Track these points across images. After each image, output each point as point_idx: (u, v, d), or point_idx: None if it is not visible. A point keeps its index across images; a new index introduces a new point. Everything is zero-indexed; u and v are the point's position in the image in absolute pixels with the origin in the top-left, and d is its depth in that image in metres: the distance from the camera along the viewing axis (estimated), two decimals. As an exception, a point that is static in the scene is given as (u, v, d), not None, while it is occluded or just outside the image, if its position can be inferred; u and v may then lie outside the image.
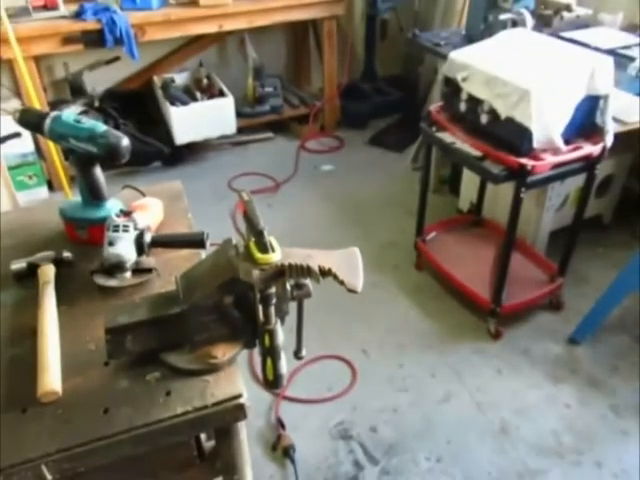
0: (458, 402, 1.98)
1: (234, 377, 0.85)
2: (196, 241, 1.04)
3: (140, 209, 1.15)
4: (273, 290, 0.75)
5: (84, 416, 0.80)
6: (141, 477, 0.88)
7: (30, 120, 1.08)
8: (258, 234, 0.71)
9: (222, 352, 0.85)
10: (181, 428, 0.80)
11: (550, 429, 1.87)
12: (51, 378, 0.83)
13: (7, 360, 0.89)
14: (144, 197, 1.27)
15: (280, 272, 0.72)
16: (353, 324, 2.30)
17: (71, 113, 1.08)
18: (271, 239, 0.73)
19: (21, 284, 1.05)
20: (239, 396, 0.82)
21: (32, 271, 1.06)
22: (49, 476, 0.75)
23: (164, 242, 1.05)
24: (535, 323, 2.29)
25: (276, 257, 0.72)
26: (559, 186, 2.31)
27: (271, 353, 0.78)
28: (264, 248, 0.72)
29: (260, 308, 0.77)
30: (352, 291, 0.70)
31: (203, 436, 0.92)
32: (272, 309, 0.76)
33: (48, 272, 1.06)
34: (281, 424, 1.87)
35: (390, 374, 2.09)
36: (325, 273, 0.72)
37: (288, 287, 0.80)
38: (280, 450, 1.81)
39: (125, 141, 1.06)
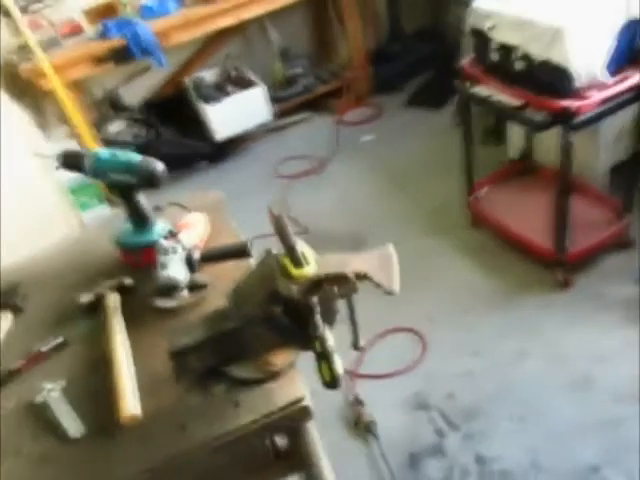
0: (533, 359, 1.95)
1: (295, 381, 0.88)
2: (241, 251, 1.08)
3: (186, 227, 1.19)
4: (315, 299, 0.77)
5: (163, 434, 0.86)
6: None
7: (71, 163, 1.14)
8: (290, 250, 0.73)
9: (281, 359, 0.89)
10: (252, 435, 0.84)
11: (631, 375, 1.81)
12: (130, 403, 0.90)
13: (87, 390, 0.96)
14: (189, 212, 1.32)
15: (318, 283, 0.74)
16: (416, 293, 2.29)
17: (106, 150, 1.13)
18: (304, 251, 0.75)
19: (88, 314, 1.13)
20: (302, 399, 0.85)
21: (98, 301, 1.14)
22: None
23: (211, 257, 1.09)
24: (604, 266, 2.20)
25: (310, 270, 0.74)
26: (612, 119, 2.17)
27: (324, 357, 0.81)
28: (298, 263, 0.74)
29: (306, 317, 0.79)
30: (389, 293, 0.71)
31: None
32: (317, 317, 0.79)
33: (114, 300, 1.14)
34: (359, 402, 1.92)
35: (460, 339, 2.09)
36: (361, 277, 0.73)
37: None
38: (362, 427, 1.86)
39: (160, 167, 1.10)
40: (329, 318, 0.86)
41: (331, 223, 2.66)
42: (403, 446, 1.80)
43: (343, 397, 1.97)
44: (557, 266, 2.13)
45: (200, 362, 0.89)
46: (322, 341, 0.80)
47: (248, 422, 0.84)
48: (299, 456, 0.93)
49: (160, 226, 1.21)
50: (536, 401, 1.83)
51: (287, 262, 0.75)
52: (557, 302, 2.11)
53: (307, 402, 0.86)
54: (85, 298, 1.15)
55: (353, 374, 2.02)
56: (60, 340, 1.08)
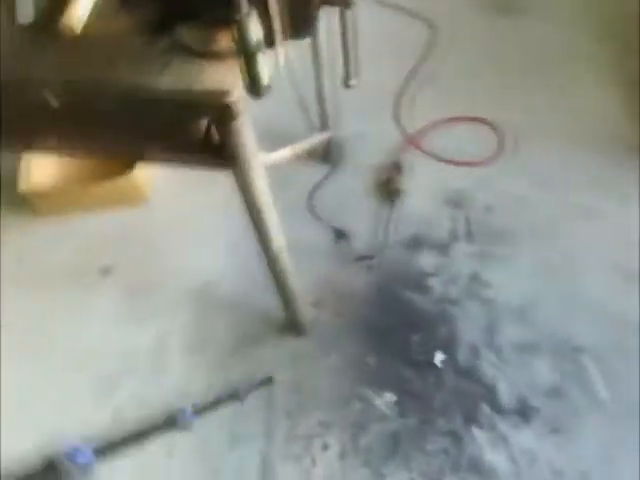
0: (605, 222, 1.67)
1: (231, 75, 0.75)
2: None
3: None
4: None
5: (92, 60, 0.80)
6: (148, 144, 0.91)
7: None
8: None
9: (226, 41, 0.74)
10: (166, 104, 0.77)
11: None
12: (74, 17, 0.82)
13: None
14: None
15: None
16: (520, 89, 1.93)
17: None
18: None
19: None
20: (226, 94, 0.74)
21: None
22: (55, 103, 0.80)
23: None
24: None
25: None
26: None
27: (243, 51, 0.65)
28: None
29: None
30: None
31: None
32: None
33: None
34: (398, 167, 1.80)
35: (540, 165, 1.79)
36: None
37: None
38: (386, 191, 1.77)
39: None
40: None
41: None
42: (412, 227, 1.72)
43: (387, 156, 1.84)
44: None
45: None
46: (242, 29, 0.63)
47: (165, 88, 0.75)
48: (229, 152, 0.86)
49: None
50: (571, 256, 1.61)
51: None
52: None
53: (233, 100, 0.74)
54: None
55: (410, 139, 1.85)
56: None
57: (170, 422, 0.75)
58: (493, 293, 1.59)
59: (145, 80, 0.76)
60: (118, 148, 0.97)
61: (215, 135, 0.85)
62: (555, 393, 1.45)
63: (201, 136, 0.86)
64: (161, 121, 0.85)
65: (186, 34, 0.77)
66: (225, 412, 1.39)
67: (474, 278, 1.62)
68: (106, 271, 1.71)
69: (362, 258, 1.64)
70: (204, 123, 0.84)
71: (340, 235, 1.69)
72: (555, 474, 1.36)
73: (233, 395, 1.10)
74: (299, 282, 1.50)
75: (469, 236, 1.68)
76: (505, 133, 1.85)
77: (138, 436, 0.62)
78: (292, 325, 1.50)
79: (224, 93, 0.73)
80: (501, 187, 1.75)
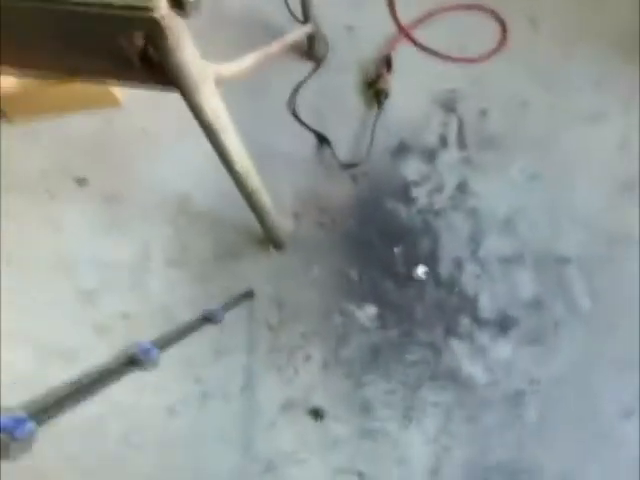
0: (607, 127, 1.55)
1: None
2: None
3: None
4: None
5: None
6: (86, 62, 0.80)
7: None
8: None
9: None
10: (92, 19, 0.66)
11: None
12: None
13: None
14: None
15: None
16: None
17: None
18: None
19: None
20: (151, 9, 0.63)
21: None
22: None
23: None
24: None
25: None
26: None
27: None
28: None
29: None
30: None
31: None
32: None
33: None
34: (388, 63, 1.64)
35: (542, 63, 1.63)
36: None
37: None
38: (374, 91, 1.64)
39: None
40: None
41: None
42: (399, 130, 1.61)
43: (378, 50, 1.68)
44: None
45: None
46: None
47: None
48: (170, 72, 0.76)
49: None
50: (568, 169, 1.53)
51: None
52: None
53: (158, 16, 0.63)
54: None
55: (402, 30, 1.68)
56: None
57: (132, 362, 0.73)
58: (479, 203, 1.53)
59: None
60: (55, 65, 0.87)
61: (154, 55, 0.75)
62: (536, 305, 1.44)
63: (138, 55, 0.75)
64: (95, 38, 0.74)
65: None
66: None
67: (460, 187, 1.55)
68: (82, 181, 1.65)
69: (346, 166, 1.56)
70: (139, 41, 0.74)
71: (323, 141, 1.59)
72: (531, 383, 1.39)
73: (209, 319, 1.09)
74: (280, 192, 1.44)
75: (460, 142, 1.58)
76: (507, 24, 1.67)
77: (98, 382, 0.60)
78: (271, 240, 1.46)
79: (147, 9, 0.62)
80: (499, 88, 1.61)
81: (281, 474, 1.37)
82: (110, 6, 0.64)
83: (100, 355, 0.64)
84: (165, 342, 0.92)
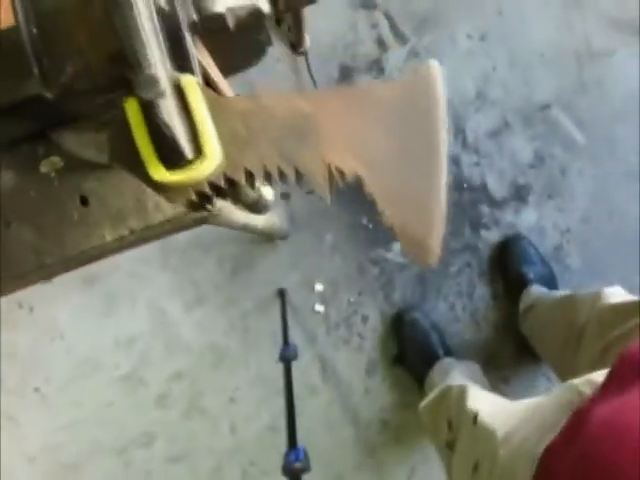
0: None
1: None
2: None
3: None
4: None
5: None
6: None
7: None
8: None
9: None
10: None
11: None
12: None
13: None
14: None
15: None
16: None
17: None
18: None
19: None
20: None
21: None
22: None
23: None
24: None
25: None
26: None
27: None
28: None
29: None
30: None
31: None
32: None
33: None
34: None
35: None
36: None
37: None
38: (286, 25, 1.43)
39: None
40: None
41: None
42: (335, 57, 1.46)
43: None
44: None
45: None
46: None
47: (108, 241, 0.49)
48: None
49: None
50: (510, 17, 1.45)
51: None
52: None
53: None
54: None
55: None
56: None
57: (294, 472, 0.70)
58: (446, 89, 1.45)
59: (64, 243, 0.48)
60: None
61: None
62: (539, 161, 1.45)
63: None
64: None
65: (71, 139, 0.45)
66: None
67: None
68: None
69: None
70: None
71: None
72: (563, 234, 1.44)
73: (289, 360, 1.06)
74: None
75: (398, 38, 1.45)
76: None
77: None
78: (272, 235, 1.37)
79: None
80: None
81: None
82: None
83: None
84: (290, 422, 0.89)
